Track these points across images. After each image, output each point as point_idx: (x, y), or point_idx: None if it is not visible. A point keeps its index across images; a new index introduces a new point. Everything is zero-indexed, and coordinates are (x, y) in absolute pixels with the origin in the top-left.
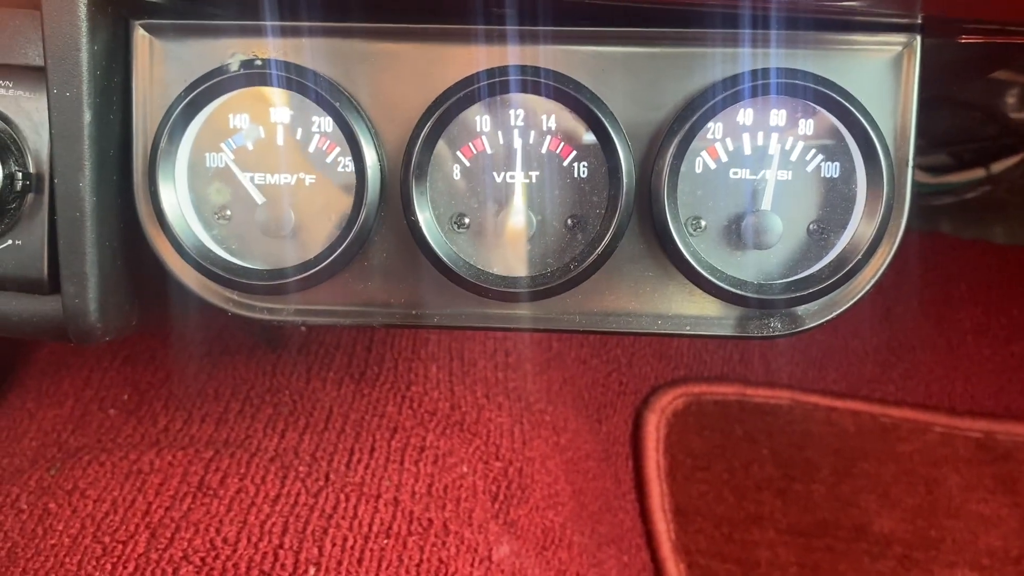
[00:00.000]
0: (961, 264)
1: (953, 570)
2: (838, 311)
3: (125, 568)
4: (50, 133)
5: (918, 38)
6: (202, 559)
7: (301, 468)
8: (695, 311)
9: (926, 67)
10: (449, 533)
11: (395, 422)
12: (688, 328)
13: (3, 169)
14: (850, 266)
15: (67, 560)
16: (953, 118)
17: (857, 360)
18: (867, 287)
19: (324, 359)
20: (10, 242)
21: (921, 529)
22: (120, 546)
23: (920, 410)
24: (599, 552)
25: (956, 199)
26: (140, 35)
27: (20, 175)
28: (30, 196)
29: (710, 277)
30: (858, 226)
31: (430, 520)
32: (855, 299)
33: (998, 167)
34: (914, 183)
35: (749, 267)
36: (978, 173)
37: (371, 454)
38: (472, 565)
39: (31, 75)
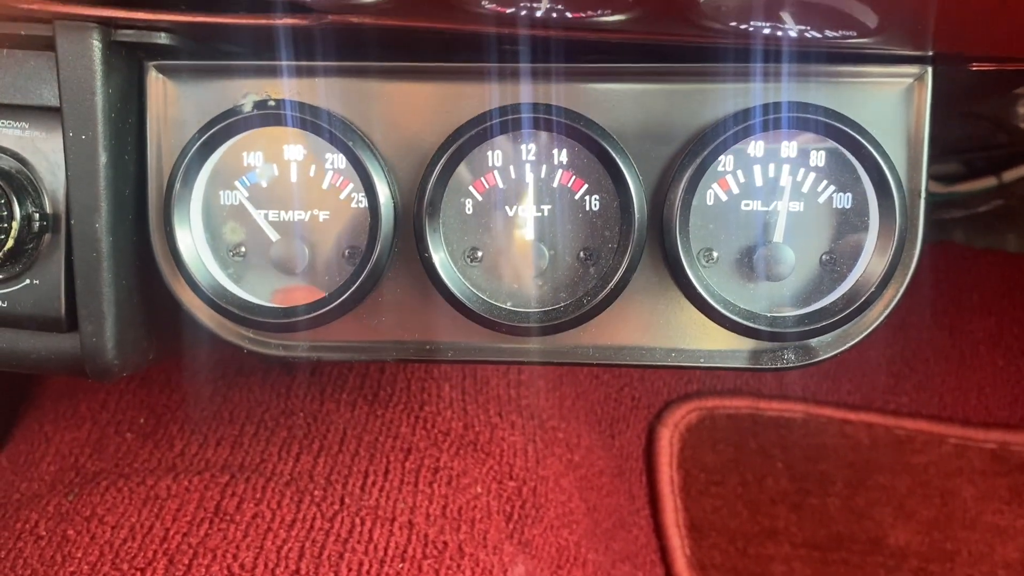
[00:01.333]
0: (974, 274)
1: None
2: (852, 342)
3: None
4: (66, 175)
5: (929, 69)
6: None
7: (316, 492)
8: (708, 344)
9: (939, 92)
10: (464, 555)
11: (409, 443)
12: (702, 361)
13: (21, 210)
14: (864, 298)
15: None
16: (963, 127)
17: (870, 372)
18: (881, 318)
19: (337, 381)
20: (28, 281)
21: (937, 541)
22: (138, 573)
23: (934, 422)
24: (614, 569)
25: (968, 210)
26: (154, 76)
27: (37, 216)
28: (47, 236)
29: (722, 310)
30: (871, 258)
31: (445, 543)
32: (869, 330)
33: (1010, 176)
34: (928, 213)
35: (762, 299)
36: (990, 182)
37: (385, 476)
38: None
39: (46, 116)
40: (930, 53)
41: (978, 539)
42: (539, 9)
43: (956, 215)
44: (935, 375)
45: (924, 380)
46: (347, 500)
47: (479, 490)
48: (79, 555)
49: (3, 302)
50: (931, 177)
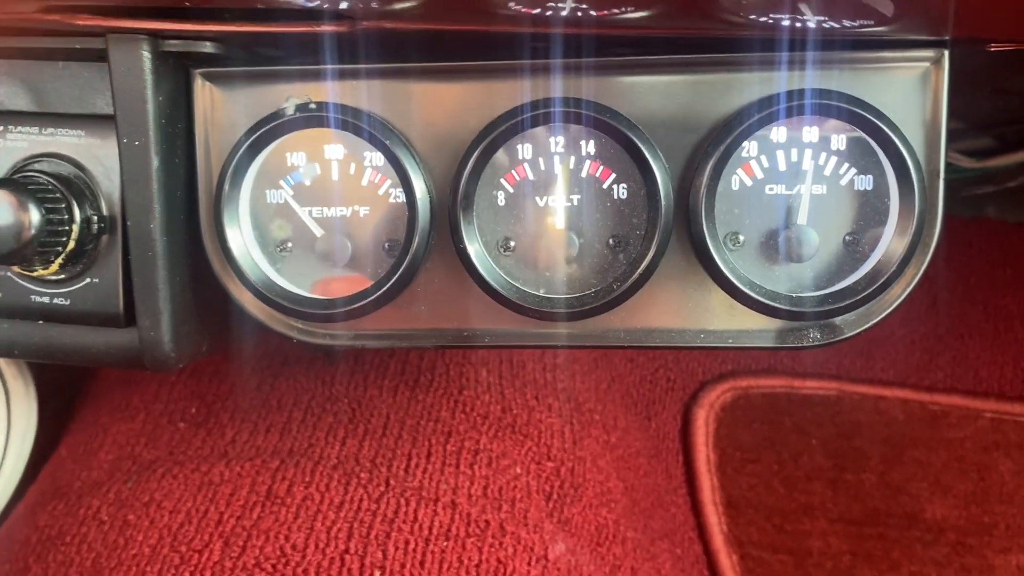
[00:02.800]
0: (1007, 249)
1: (1007, 555)
2: (875, 320)
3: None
4: (121, 179)
5: (946, 53)
6: (273, 566)
7: (363, 474)
8: (736, 325)
9: (959, 73)
10: (506, 533)
11: (449, 426)
12: (730, 341)
13: (80, 214)
14: (885, 277)
15: (148, 569)
16: (994, 101)
17: (904, 348)
18: (903, 296)
19: (379, 367)
20: (88, 280)
21: (974, 515)
22: (196, 555)
23: (969, 397)
24: (652, 546)
25: (1000, 185)
26: (201, 83)
27: (95, 218)
28: (105, 237)
29: (749, 291)
30: (892, 238)
31: (487, 521)
32: (891, 308)
33: None
34: (947, 194)
35: (786, 280)
36: (1022, 156)
37: (428, 458)
38: (529, 564)
39: (100, 123)
40: (947, 37)
41: (1015, 512)
42: (564, 9)
43: (988, 190)
44: (969, 350)
45: (958, 355)
46: (392, 482)
47: (518, 471)
48: (140, 538)
49: (66, 300)
50: (962, 152)
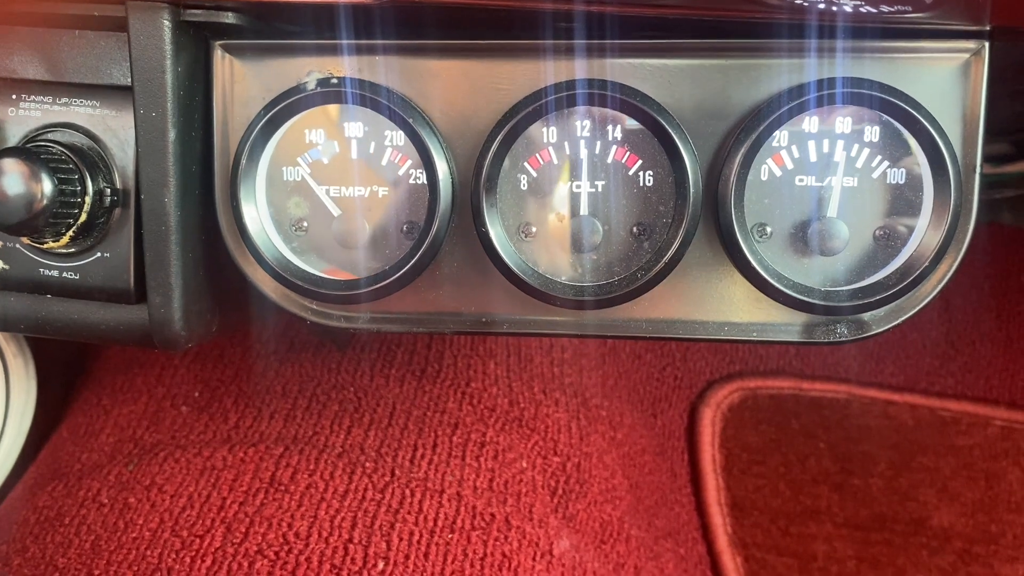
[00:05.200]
0: (1021, 255)
1: (1015, 565)
2: (904, 316)
3: (203, 561)
4: (136, 151)
5: (986, 45)
6: (275, 553)
7: (368, 464)
8: (762, 318)
9: (995, 69)
10: (511, 527)
11: (456, 418)
12: (755, 335)
13: (93, 186)
14: (917, 273)
15: (148, 553)
16: (1013, 106)
17: (915, 353)
18: (934, 292)
19: (386, 356)
20: (99, 254)
21: (981, 523)
22: (197, 540)
23: (980, 404)
24: (656, 545)
25: (1017, 190)
26: (220, 55)
27: (108, 191)
28: (117, 211)
29: (776, 284)
30: (925, 232)
31: (492, 515)
32: (921, 304)
33: None
34: (982, 188)
35: (815, 273)
36: None
37: (434, 450)
38: (534, 559)
39: (116, 94)
40: (987, 28)
41: (1023, 522)
42: None
43: (1005, 195)
44: (981, 357)
45: (970, 362)
46: (397, 472)
47: (524, 465)
48: (140, 522)
49: (75, 274)
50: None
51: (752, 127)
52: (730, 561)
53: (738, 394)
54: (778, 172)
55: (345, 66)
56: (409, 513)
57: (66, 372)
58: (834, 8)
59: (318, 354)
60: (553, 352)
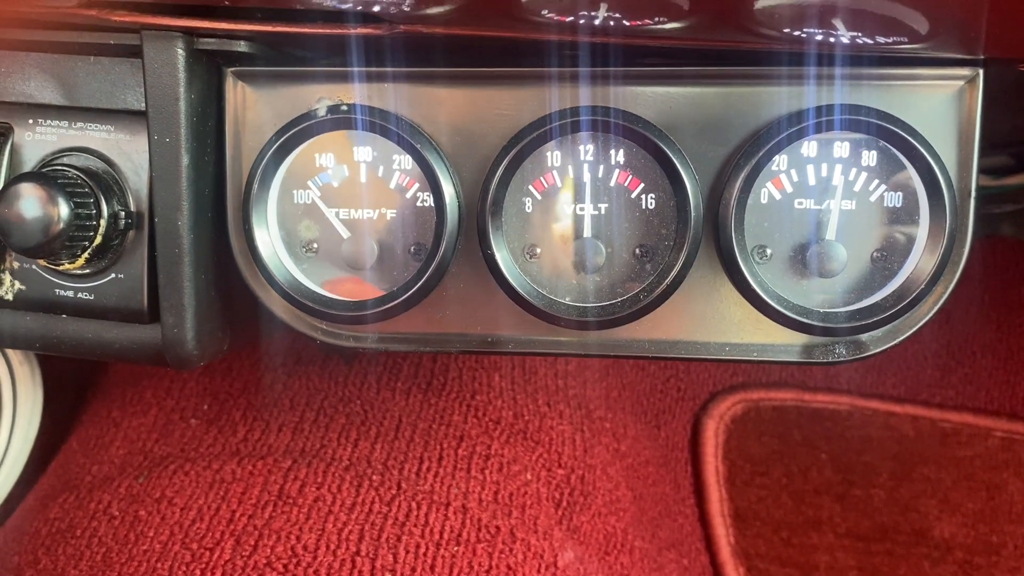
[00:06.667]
0: (1021, 267)
1: None
2: (902, 337)
3: (213, 574)
4: (150, 175)
5: (980, 72)
6: (284, 566)
7: (374, 477)
8: (761, 338)
9: (992, 88)
10: (516, 540)
11: (461, 431)
12: (755, 355)
13: (107, 208)
14: (914, 295)
15: (159, 566)
16: (1013, 119)
17: (917, 365)
18: (931, 313)
19: (392, 369)
20: (113, 275)
21: (982, 535)
22: (207, 553)
23: (981, 415)
24: (660, 556)
25: (1017, 204)
26: (232, 82)
27: (123, 214)
28: (131, 233)
29: (776, 305)
30: (921, 255)
31: (497, 527)
32: (918, 325)
33: None
34: (977, 212)
35: (814, 295)
36: None
37: (439, 462)
38: (539, 571)
39: (130, 119)
40: (981, 56)
41: None
42: (596, 18)
43: (1005, 209)
44: (982, 369)
45: (971, 374)
46: (404, 485)
47: (529, 477)
48: (151, 534)
49: (90, 295)
50: (980, 170)
51: (752, 152)
52: (733, 572)
53: (741, 406)
54: (778, 195)
55: (355, 93)
56: (415, 526)
57: (75, 383)
58: (832, 39)
59: (325, 367)
60: (557, 365)
